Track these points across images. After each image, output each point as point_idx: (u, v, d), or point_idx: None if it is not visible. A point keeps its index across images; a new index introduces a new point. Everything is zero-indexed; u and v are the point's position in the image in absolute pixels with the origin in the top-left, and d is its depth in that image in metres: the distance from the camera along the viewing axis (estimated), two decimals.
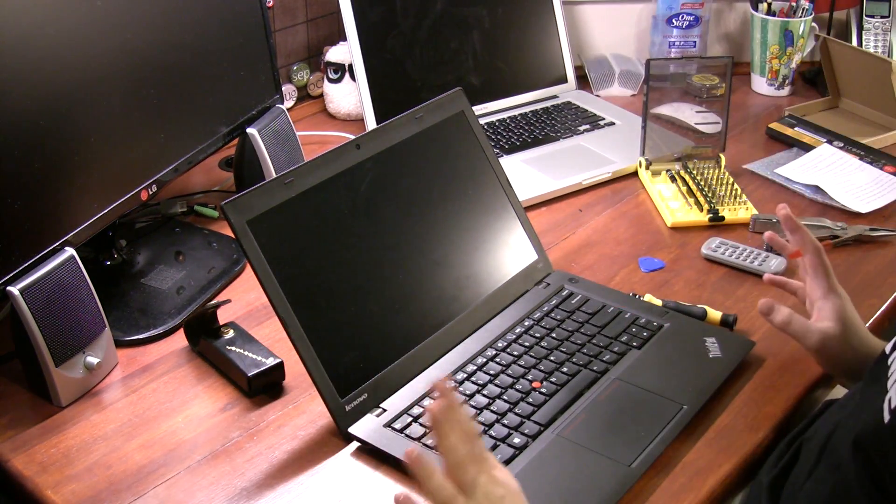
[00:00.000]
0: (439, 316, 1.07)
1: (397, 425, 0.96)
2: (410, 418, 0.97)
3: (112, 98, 1.11)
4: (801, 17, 1.75)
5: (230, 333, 1.09)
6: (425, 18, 1.61)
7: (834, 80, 1.75)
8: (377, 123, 1.54)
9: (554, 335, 1.09)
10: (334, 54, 1.71)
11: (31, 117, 1.00)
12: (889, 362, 0.80)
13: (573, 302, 1.15)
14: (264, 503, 0.90)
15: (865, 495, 0.76)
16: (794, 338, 1.04)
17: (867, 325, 1.15)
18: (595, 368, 1.04)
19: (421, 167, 1.12)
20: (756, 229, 1.34)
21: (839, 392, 1.08)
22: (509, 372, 1.04)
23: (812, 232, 1.29)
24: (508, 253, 1.17)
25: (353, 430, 0.96)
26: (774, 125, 1.64)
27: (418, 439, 0.95)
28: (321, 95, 1.78)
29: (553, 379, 1.03)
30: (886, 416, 0.75)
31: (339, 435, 0.97)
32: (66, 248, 1.03)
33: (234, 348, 1.06)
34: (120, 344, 1.11)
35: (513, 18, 1.70)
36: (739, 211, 1.37)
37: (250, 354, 1.05)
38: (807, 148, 1.56)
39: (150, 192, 1.19)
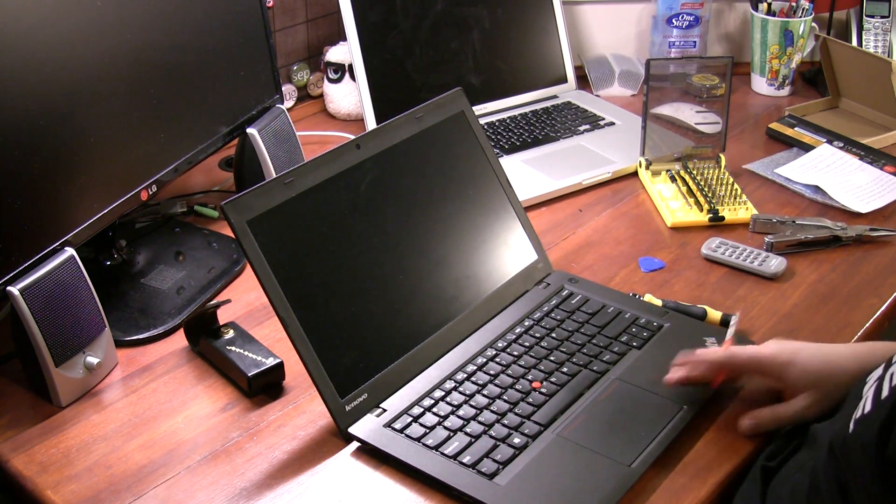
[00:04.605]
0: (439, 316, 1.07)
1: (397, 425, 0.96)
2: (410, 418, 0.97)
3: (112, 98, 1.11)
4: (801, 17, 1.74)
5: (230, 333, 1.09)
6: (425, 18, 1.61)
7: (834, 80, 1.75)
8: (377, 123, 1.54)
9: (554, 335, 1.09)
10: (334, 54, 1.71)
11: (31, 117, 1.00)
12: (867, 376, 0.81)
13: (573, 302, 1.15)
14: (264, 503, 0.90)
15: (830, 496, 0.79)
16: (782, 426, 0.97)
17: (867, 324, 1.15)
18: (595, 368, 1.04)
19: (421, 167, 1.12)
20: (756, 229, 1.34)
21: None
22: (509, 372, 1.04)
23: (812, 232, 1.30)
24: (508, 253, 1.17)
25: (353, 430, 0.96)
26: (774, 125, 1.64)
27: (418, 439, 0.95)
28: (321, 95, 1.78)
29: (553, 379, 1.03)
30: (851, 426, 0.77)
31: (339, 435, 0.97)
32: (66, 248, 1.03)
33: (234, 348, 1.06)
34: (120, 344, 1.11)
35: (513, 18, 1.70)
36: (739, 211, 1.37)
37: (250, 354, 1.05)
38: (807, 148, 1.56)
39: (150, 192, 1.19)
